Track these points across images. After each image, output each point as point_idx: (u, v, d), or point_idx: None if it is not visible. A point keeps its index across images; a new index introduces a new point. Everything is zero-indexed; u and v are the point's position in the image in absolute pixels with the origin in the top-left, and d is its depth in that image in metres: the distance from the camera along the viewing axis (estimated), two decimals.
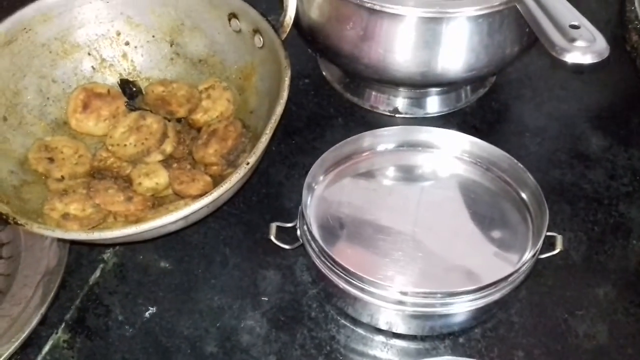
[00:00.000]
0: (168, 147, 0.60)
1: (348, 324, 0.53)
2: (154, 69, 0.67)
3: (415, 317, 0.50)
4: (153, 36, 0.66)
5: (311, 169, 0.53)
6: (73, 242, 0.55)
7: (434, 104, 0.69)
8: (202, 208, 0.48)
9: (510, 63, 0.62)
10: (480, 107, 0.69)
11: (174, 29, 0.66)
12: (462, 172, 0.56)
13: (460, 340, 0.52)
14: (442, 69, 0.58)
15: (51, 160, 0.58)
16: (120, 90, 0.65)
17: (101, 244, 0.57)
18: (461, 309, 0.48)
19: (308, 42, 0.64)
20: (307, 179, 0.52)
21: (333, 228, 0.52)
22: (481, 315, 0.52)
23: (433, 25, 0.55)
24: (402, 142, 0.57)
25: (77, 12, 0.64)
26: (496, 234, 0.52)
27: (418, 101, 0.69)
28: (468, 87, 0.69)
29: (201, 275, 0.56)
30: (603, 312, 0.53)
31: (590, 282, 0.55)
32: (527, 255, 0.49)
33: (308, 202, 0.52)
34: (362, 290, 0.49)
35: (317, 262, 0.50)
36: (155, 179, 0.57)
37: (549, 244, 0.52)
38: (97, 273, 0.56)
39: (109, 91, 0.63)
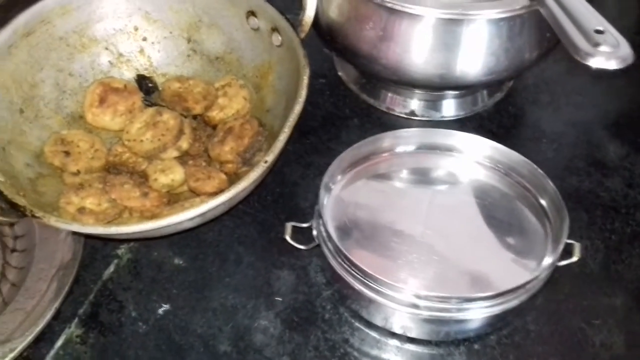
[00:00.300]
0: (184, 143, 0.60)
1: (362, 327, 0.53)
2: (171, 65, 0.67)
3: (431, 321, 0.49)
4: (170, 32, 0.66)
5: (329, 168, 0.52)
6: (88, 237, 0.55)
7: (450, 107, 0.68)
8: (219, 205, 0.48)
9: (529, 67, 0.61)
10: (497, 111, 0.69)
11: (191, 26, 0.66)
12: (481, 177, 0.56)
13: (476, 346, 0.52)
14: (461, 71, 0.58)
15: (67, 153, 0.58)
16: (136, 85, 0.65)
17: (116, 239, 0.57)
18: (477, 315, 0.48)
19: (326, 41, 0.63)
20: (325, 179, 0.52)
21: (349, 229, 0.52)
22: (497, 322, 0.51)
23: (453, 27, 0.55)
24: (422, 145, 0.57)
25: (96, 6, 0.63)
26: (513, 239, 0.52)
27: (434, 104, 0.68)
28: (485, 91, 0.69)
29: (215, 274, 0.56)
30: (620, 322, 0.53)
31: (608, 291, 0.54)
32: (546, 262, 0.49)
33: (325, 202, 0.51)
34: (377, 292, 0.48)
35: (333, 262, 0.50)
36: (171, 175, 0.57)
37: (566, 251, 0.51)
38: (111, 268, 0.56)
39: (125, 86, 0.63)
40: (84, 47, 0.64)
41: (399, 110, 0.68)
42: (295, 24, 0.59)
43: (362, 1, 0.56)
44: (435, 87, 0.64)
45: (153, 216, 0.54)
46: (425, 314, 0.48)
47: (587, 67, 0.46)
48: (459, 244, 0.52)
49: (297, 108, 0.53)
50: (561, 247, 0.48)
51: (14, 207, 0.47)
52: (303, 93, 0.54)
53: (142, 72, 0.66)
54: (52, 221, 0.46)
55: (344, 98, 0.70)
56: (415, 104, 0.68)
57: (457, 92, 0.67)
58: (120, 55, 0.66)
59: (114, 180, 0.55)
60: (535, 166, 0.53)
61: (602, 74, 0.61)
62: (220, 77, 0.65)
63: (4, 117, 0.57)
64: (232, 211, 0.58)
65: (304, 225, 0.55)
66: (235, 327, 0.53)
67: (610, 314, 0.53)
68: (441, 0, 0.55)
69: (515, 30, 0.56)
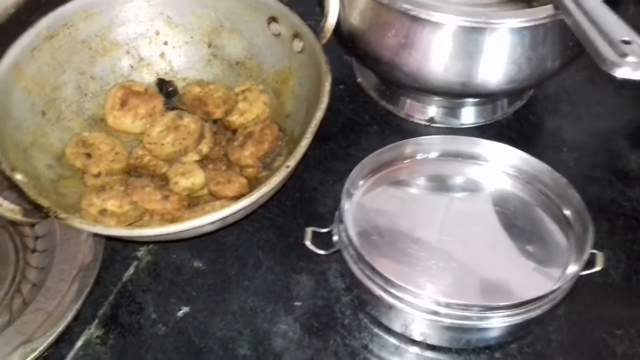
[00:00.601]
0: (205, 147, 0.60)
1: (382, 334, 0.53)
2: (191, 69, 0.67)
3: (451, 329, 0.49)
4: (191, 37, 0.67)
5: (350, 174, 0.52)
6: (108, 238, 0.55)
7: (469, 115, 0.68)
8: (241, 209, 0.48)
9: (550, 77, 0.61)
10: (517, 119, 0.69)
11: (212, 31, 0.66)
12: (502, 185, 0.56)
13: (497, 355, 0.51)
14: (482, 80, 0.58)
15: (88, 156, 0.58)
16: (157, 89, 0.65)
17: (136, 242, 0.57)
18: (499, 323, 0.48)
19: (347, 48, 0.64)
20: (346, 185, 0.52)
21: (370, 235, 0.52)
22: (519, 331, 0.51)
23: (476, 36, 0.55)
24: (443, 152, 0.57)
25: (118, 10, 0.64)
26: (534, 248, 0.52)
27: (454, 111, 0.68)
28: (505, 99, 0.69)
29: (234, 277, 0.56)
30: None
31: (630, 301, 0.54)
32: (570, 271, 0.49)
33: (346, 208, 0.51)
34: (397, 298, 0.48)
35: (354, 268, 0.50)
36: (191, 178, 0.57)
37: (588, 261, 0.51)
38: (131, 270, 0.56)
39: (146, 90, 0.63)
40: (106, 50, 0.64)
41: (418, 117, 0.68)
42: (317, 30, 0.59)
43: (384, 8, 0.56)
44: (456, 95, 0.64)
45: (173, 219, 0.54)
46: (447, 321, 0.48)
47: (608, 77, 0.46)
48: (479, 252, 0.51)
49: (319, 114, 0.53)
50: (586, 256, 0.48)
51: (37, 208, 0.47)
52: (325, 99, 0.54)
53: (162, 76, 0.67)
54: (76, 223, 0.46)
55: (363, 104, 0.70)
56: (434, 111, 0.68)
57: (477, 100, 0.67)
58: (141, 59, 0.66)
59: (135, 183, 0.56)
60: (559, 175, 0.53)
61: (623, 84, 0.61)
62: (241, 82, 0.65)
63: (26, 119, 0.57)
64: (252, 215, 0.58)
65: (324, 230, 0.55)
66: (254, 331, 0.53)
67: (632, 325, 0.53)
68: (463, 9, 0.55)
69: (538, 39, 0.56)
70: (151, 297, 0.54)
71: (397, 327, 0.52)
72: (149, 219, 0.55)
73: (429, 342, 0.52)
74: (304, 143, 0.51)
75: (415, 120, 0.68)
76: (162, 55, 0.67)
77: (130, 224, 0.53)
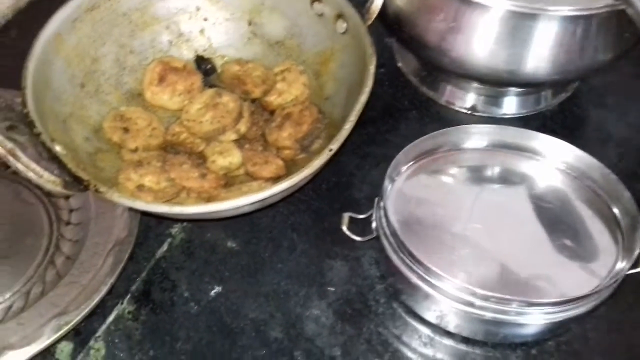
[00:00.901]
0: (242, 127, 0.59)
1: (415, 324, 0.52)
2: (230, 47, 0.66)
3: (489, 323, 0.48)
4: (232, 14, 0.66)
5: (394, 160, 0.51)
6: (143, 214, 0.55)
7: (511, 105, 0.66)
8: (281, 191, 0.47)
9: (601, 69, 0.59)
10: (561, 111, 0.67)
11: (253, 8, 0.65)
12: (550, 179, 0.54)
13: (533, 351, 0.50)
14: (531, 68, 0.56)
15: (126, 130, 0.57)
16: (195, 66, 0.65)
17: (170, 218, 0.57)
18: (539, 320, 0.46)
19: (392, 31, 0.62)
20: (389, 171, 0.51)
21: (410, 223, 0.51)
22: (557, 328, 0.50)
23: (528, 22, 0.53)
24: (489, 142, 0.55)
25: None
26: (578, 245, 0.50)
27: (496, 100, 0.66)
28: (549, 90, 0.67)
29: (268, 259, 0.55)
30: None
31: None
32: (617, 270, 0.47)
33: (387, 195, 0.50)
34: (435, 288, 0.47)
35: (393, 256, 0.49)
36: (229, 158, 0.57)
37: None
38: (165, 247, 0.56)
39: (185, 66, 0.63)
40: (146, 24, 0.64)
41: (459, 105, 0.67)
42: (362, 12, 0.58)
43: None
44: (501, 83, 0.62)
45: (210, 198, 0.54)
46: (487, 315, 0.46)
47: None
48: (521, 246, 0.50)
49: (363, 98, 0.52)
50: (635, 255, 0.46)
51: (77, 180, 0.47)
52: (369, 83, 0.52)
53: (201, 53, 0.66)
54: (115, 197, 0.45)
55: (403, 89, 0.69)
56: (476, 99, 0.66)
57: (520, 90, 0.65)
58: (181, 34, 0.65)
59: (173, 159, 0.55)
60: (609, 171, 0.51)
61: None
62: (280, 62, 0.64)
63: (65, 90, 0.57)
64: (287, 198, 0.57)
65: (361, 216, 0.54)
66: (286, 314, 0.52)
67: None
68: None
69: (592, 29, 0.54)
70: (184, 275, 0.54)
71: (432, 317, 0.51)
72: (186, 197, 0.54)
73: (464, 334, 0.51)
74: (348, 126, 0.50)
75: (456, 108, 0.67)
76: (202, 31, 0.66)
77: (167, 200, 0.52)
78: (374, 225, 0.51)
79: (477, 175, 0.55)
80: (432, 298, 0.48)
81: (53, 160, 0.47)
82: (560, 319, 0.46)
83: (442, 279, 0.46)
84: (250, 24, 0.66)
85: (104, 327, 0.51)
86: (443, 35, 0.56)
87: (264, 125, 0.61)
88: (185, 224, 0.57)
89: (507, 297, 0.45)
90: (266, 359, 0.49)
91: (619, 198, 0.51)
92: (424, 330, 0.52)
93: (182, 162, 0.55)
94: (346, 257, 0.55)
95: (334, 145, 0.49)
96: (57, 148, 0.49)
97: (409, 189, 0.53)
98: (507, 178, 0.54)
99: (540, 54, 0.55)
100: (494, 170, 0.55)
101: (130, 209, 0.53)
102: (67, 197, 0.57)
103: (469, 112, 0.66)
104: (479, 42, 0.55)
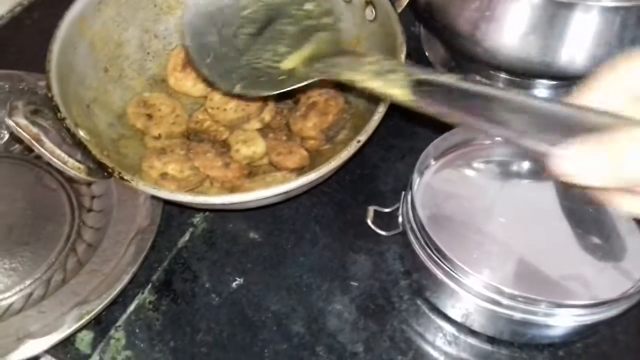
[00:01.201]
0: (267, 115, 0.58)
1: (440, 322, 0.51)
2: None
3: (516, 323, 0.46)
4: None
5: (423, 153, 0.50)
6: (166, 202, 0.54)
7: None
8: (308, 183, 0.46)
9: None
10: None
11: None
12: None
13: (560, 353, 0.49)
14: (566, 60, 0.54)
15: (149, 116, 0.57)
16: None
17: (192, 208, 0.56)
18: (568, 322, 0.45)
19: (422, 19, 0.60)
20: (418, 164, 0.49)
21: (438, 218, 0.49)
22: (586, 330, 0.48)
23: (565, 12, 0.51)
24: None
25: None
26: (611, 246, 0.48)
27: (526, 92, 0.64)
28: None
29: (290, 251, 0.54)
30: None
31: None
32: None
33: (416, 189, 0.49)
34: (462, 285, 0.46)
35: (420, 251, 0.48)
36: (253, 147, 0.56)
37: None
38: (186, 237, 0.55)
39: None
40: (171, 8, 0.62)
41: None
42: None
43: None
44: (535, 75, 0.60)
45: (233, 187, 0.53)
46: (514, 315, 0.45)
47: None
48: (551, 244, 0.48)
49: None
50: None
51: (102, 167, 0.46)
52: None
53: None
54: (140, 185, 0.45)
55: None
56: None
57: (552, 83, 0.63)
58: None
59: (197, 148, 0.54)
60: None
61: None
62: None
63: (89, 74, 0.56)
64: (310, 189, 0.56)
65: (386, 209, 0.53)
66: (308, 308, 0.51)
67: None
68: None
69: (631, 22, 0.52)
70: (206, 265, 0.53)
71: (457, 316, 0.50)
72: (209, 186, 0.53)
73: (489, 334, 0.49)
74: (377, 117, 0.48)
75: None
76: None
77: (190, 189, 0.52)
78: (400, 219, 0.50)
79: (507, 170, 0.53)
80: (458, 295, 0.47)
81: (77, 146, 0.46)
82: (591, 321, 0.45)
83: (469, 276, 0.45)
84: None
85: (124, 316, 0.50)
86: (476, 23, 0.54)
87: (288, 114, 0.60)
88: (207, 213, 0.56)
89: (536, 297, 0.44)
90: (288, 354, 0.49)
91: None
92: (449, 328, 0.50)
93: (206, 150, 0.54)
94: (370, 251, 0.54)
95: (362, 137, 0.48)
96: (81, 133, 0.48)
97: (437, 182, 0.51)
98: (538, 173, 0.53)
99: (576, 45, 0.53)
100: (524, 165, 0.53)
101: (153, 197, 0.53)
102: (89, 184, 0.57)
103: None
104: (514, 31, 0.53)
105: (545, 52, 0.54)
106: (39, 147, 0.43)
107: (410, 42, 0.70)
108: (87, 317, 0.46)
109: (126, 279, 0.48)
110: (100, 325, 0.49)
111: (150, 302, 0.51)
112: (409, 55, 0.68)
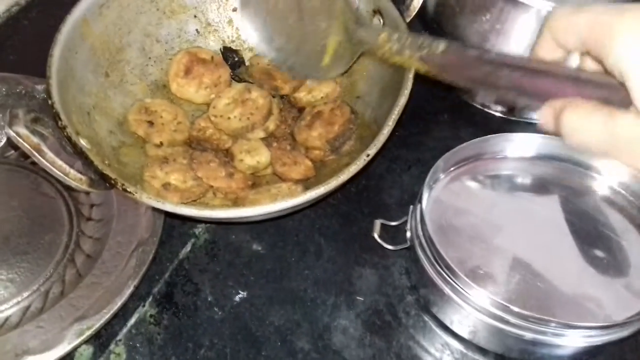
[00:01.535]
0: (271, 124, 0.57)
1: (447, 339, 0.50)
2: None
3: (525, 341, 0.46)
4: None
5: (433, 167, 0.49)
6: (167, 214, 0.53)
7: None
8: (316, 197, 0.45)
9: None
10: None
11: None
12: (599, 198, 0.51)
13: None
14: None
15: (151, 124, 0.55)
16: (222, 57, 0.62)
17: (195, 219, 0.54)
18: (578, 343, 0.44)
19: (431, 29, 0.59)
20: (427, 179, 0.48)
21: (447, 233, 0.48)
22: (596, 350, 0.48)
23: None
24: (534, 152, 0.53)
25: None
26: (622, 265, 0.48)
27: (534, 105, 0.64)
28: None
29: (294, 264, 0.53)
30: None
31: None
32: None
33: (425, 204, 0.48)
34: (470, 302, 0.45)
35: (428, 267, 0.47)
36: (257, 157, 0.54)
37: None
38: (188, 248, 0.54)
39: (212, 58, 0.60)
40: (173, 12, 0.61)
41: (494, 108, 0.64)
42: (401, 8, 0.55)
43: None
44: None
45: (237, 198, 0.52)
46: (524, 335, 0.44)
47: None
48: (562, 262, 0.48)
49: (402, 100, 0.49)
50: None
51: (104, 178, 0.45)
52: (409, 84, 0.50)
53: (228, 44, 0.63)
54: (144, 198, 0.43)
55: (435, 90, 0.66)
56: (512, 103, 0.64)
57: None
58: (208, 24, 0.63)
59: (200, 157, 0.53)
60: None
61: None
62: None
63: (89, 79, 0.54)
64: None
65: (393, 223, 0.52)
66: (313, 323, 0.50)
67: None
68: None
69: None
70: (208, 278, 0.52)
71: (464, 332, 0.49)
72: (212, 197, 0.52)
73: (497, 352, 0.49)
74: (386, 131, 0.47)
75: (491, 111, 0.64)
76: (230, 22, 0.63)
77: (193, 200, 0.50)
78: (408, 234, 0.49)
79: (516, 185, 0.52)
80: (466, 312, 0.46)
81: (79, 156, 0.45)
82: (601, 342, 0.44)
83: (477, 293, 0.44)
84: None
85: (125, 330, 0.49)
86: (486, 35, 0.53)
87: (292, 124, 0.59)
88: (209, 224, 0.55)
89: (546, 317, 0.43)
90: None
91: None
92: (456, 345, 0.50)
93: (209, 160, 0.53)
94: (375, 265, 0.53)
95: (372, 151, 0.47)
96: (83, 142, 0.46)
97: (447, 197, 0.50)
98: (551, 190, 0.52)
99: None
100: (538, 182, 0.52)
101: (154, 208, 0.51)
102: (88, 192, 0.55)
103: (505, 116, 0.64)
104: (523, 44, 0.53)
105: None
106: (39, 157, 0.42)
107: None
108: (88, 333, 0.44)
109: (127, 292, 0.47)
110: (100, 339, 0.48)
111: (151, 316, 0.50)
112: None
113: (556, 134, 0.33)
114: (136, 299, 0.50)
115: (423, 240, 0.47)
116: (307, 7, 0.51)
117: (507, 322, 0.45)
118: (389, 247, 0.51)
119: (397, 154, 0.61)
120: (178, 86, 0.59)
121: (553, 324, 0.44)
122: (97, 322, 0.45)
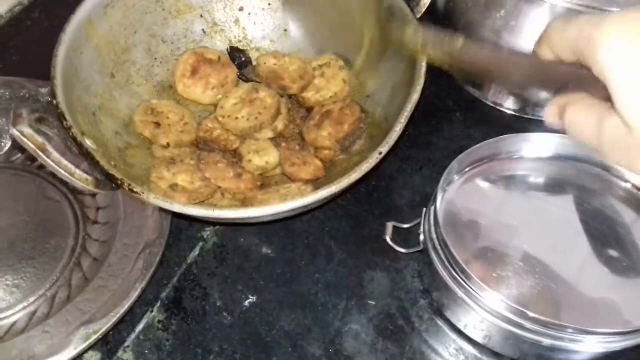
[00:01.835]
0: (280, 124, 0.56)
1: (461, 343, 0.49)
2: (266, 39, 0.63)
3: (541, 347, 0.44)
4: (269, 4, 0.62)
5: (447, 169, 0.48)
6: (174, 215, 0.52)
7: None
8: (327, 197, 0.44)
9: None
10: None
11: None
12: (618, 200, 0.50)
13: None
14: None
15: (157, 125, 0.54)
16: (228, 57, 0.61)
17: (203, 220, 0.53)
18: (595, 348, 0.43)
19: (442, 25, 0.58)
20: (441, 181, 0.47)
21: (461, 235, 0.47)
22: (615, 355, 0.46)
23: None
24: (550, 152, 0.51)
25: None
26: (635, 265, 0.47)
27: (546, 102, 0.62)
28: None
29: (304, 267, 0.52)
30: None
31: None
32: None
33: (439, 207, 0.47)
34: (485, 307, 0.44)
35: (442, 271, 0.46)
36: (265, 157, 0.53)
37: None
38: (196, 251, 0.53)
39: (219, 58, 0.59)
40: (179, 12, 0.60)
41: (506, 106, 0.63)
42: (411, 4, 0.54)
43: None
44: None
45: (245, 199, 0.51)
46: (540, 340, 0.43)
47: None
48: (579, 265, 0.47)
49: (414, 97, 0.48)
50: None
51: (110, 179, 0.44)
52: (420, 80, 0.49)
53: (235, 44, 0.62)
54: (151, 198, 0.42)
55: (447, 88, 0.65)
56: (524, 100, 0.62)
57: None
58: (215, 24, 0.62)
59: (208, 158, 0.52)
60: None
61: None
62: (318, 56, 0.61)
63: (95, 80, 0.54)
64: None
65: (405, 225, 0.51)
66: (324, 328, 0.49)
67: None
68: None
69: None
70: (216, 282, 0.51)
71: (478, 337, 0.48)
72: (220, 197, 0.51)
73: (512, 356, 0.47)
74: (398, 128, 0.46)
75: (503, 109, 0.63)
76: (237, 21, 0.62)
77: (201, 201, 0.49)
78: (421, 237, 0.48)
79: (530, 186, 0.51)
80: (481, 316, 0.45)
81: (84, 156, 0.44)
82: (618, 348, 0.43)
83: (492, 297, 0.43)
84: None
85: (132, 336, 0.48)
86: (500, 32, 0.52)
87: (301, 123, 0.57)
88: (217, 226, 0.54)
89: (562, 323, 0.42)
90: None
91: None
92: (470, 349, 0.48)
93: (216, 160, 0.52)
94: (387, 268, 0.52)
95: (384, 148, 0.45)
96: (89, 143, 0.46)
97: (460, 199, 0.49)
98: (567, 191, 0.50)
99: None
100: (553, 183, 0.51)
101: (161, 209, 0.50)
102: (93, 195, 0.54)
103: (517, 114, 0.62)
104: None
105: None
106: (44, 157, 0.41)
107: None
108: (94, 337, 0.43)
109: (134, 296, 0.46)
110: (108, 345, 0.47)
111: (159, 321, 0.49)
112: None
113: (562, 131, 0.34)
114: (144, 304, 0.49)
115: (437, 243, 0.46)
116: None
117: (522, 327, 0.43)
118: (402, 250, 0.50)
119: (407, 154, 0.60)
120: (184, 87, 0.58)
121: (570, 330, 0.42)
122: (104, 325, 0.44)
